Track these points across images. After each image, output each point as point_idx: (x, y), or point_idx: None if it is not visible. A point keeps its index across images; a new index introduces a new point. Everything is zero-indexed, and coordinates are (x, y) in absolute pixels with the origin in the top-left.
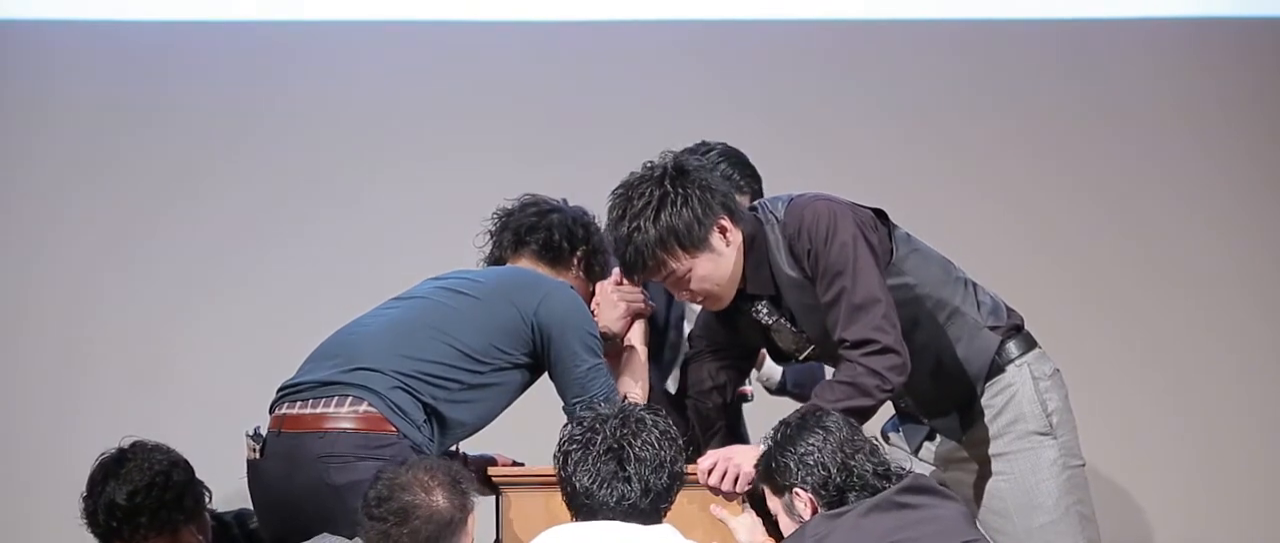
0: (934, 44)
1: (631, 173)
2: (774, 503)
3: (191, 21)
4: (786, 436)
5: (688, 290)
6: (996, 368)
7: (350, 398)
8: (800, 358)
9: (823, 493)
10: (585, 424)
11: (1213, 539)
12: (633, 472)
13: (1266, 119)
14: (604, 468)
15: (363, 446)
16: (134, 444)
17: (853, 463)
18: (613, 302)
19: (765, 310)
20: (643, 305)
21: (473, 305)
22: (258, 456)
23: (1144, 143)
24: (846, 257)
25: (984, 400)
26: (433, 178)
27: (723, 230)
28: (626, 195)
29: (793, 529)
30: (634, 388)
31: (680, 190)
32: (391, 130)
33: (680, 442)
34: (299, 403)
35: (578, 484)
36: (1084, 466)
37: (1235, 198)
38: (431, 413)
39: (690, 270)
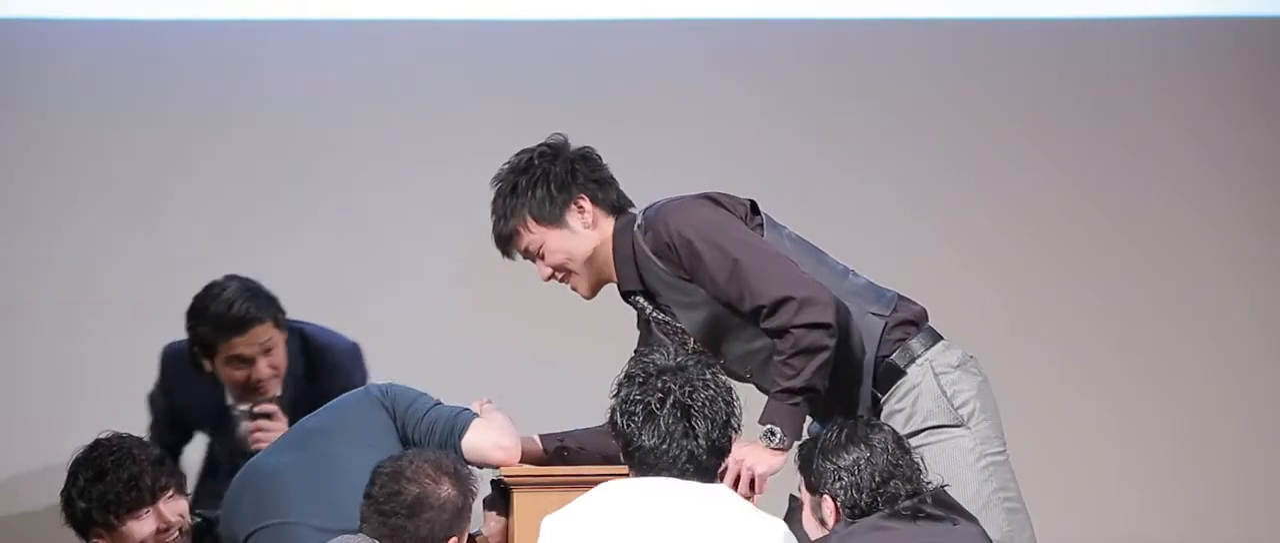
0: (934, 44)
1: None
2: (805, 493)
3: (188, 21)
4: (834, 441)
5: (546, 266)
6: (898, 371)
7: None
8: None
9: (850, 511)
10: (642, 381)
11: (1212, 539)
12: (700, 430)
13: (1266, 119)
14: (674, 426)
15: None
16: (106, 437)
17: (886, 489)
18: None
19: (647, 305)
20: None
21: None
22: None
23: (1144, 143)
24: (722, 233)
25: (892, 405)
26: (430, 178)
27: (580, 209)
28: (500, 170)
29: (814, 525)
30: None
31: (542, 166)
32: (390, 129)
33: (732, 394)
34: None
35: (645, 442)
36: (1004, 453)
37: (1235, 197)
38: None
39: (542, 244)
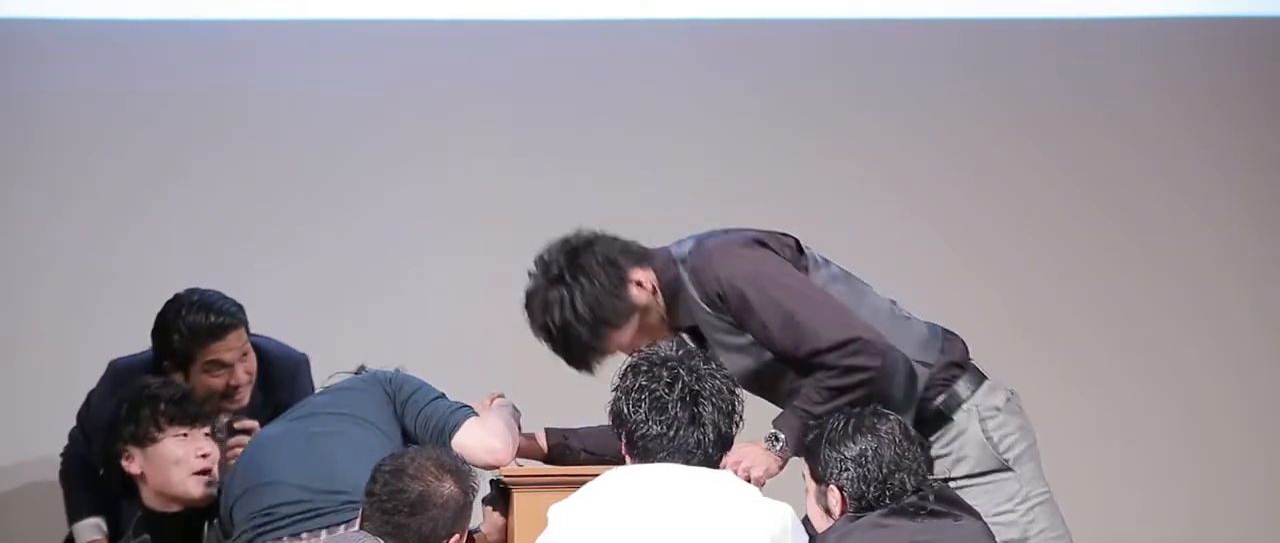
0: (934, 44)
1: (531, 272)
2: (810, 481)
3: (188, 21)
4: (840, 431)
5: (635, 349)
6: (944, 417)
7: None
8: None
9: (857, 502)
10: (648, 369)
11: (1212, 539)
12: (707, 418)
13: (1266, 119)
14: (681, 414)
15: None
16: None
17: (893, 481)
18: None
19: (691, 344)
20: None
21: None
22: None
23: (1144, 142)
24: (773, 282)
25: (938, 449)
26: (431, 178)
27: (639, 285)
28: (531, 306)
29: (818, 513)
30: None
31: (580, 280)
32: (390, 130)
33: (734, 383)
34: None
35: (652, 430)
36: (1048, 493)
37: (1235, 197)
38: None
39: (630, 337)
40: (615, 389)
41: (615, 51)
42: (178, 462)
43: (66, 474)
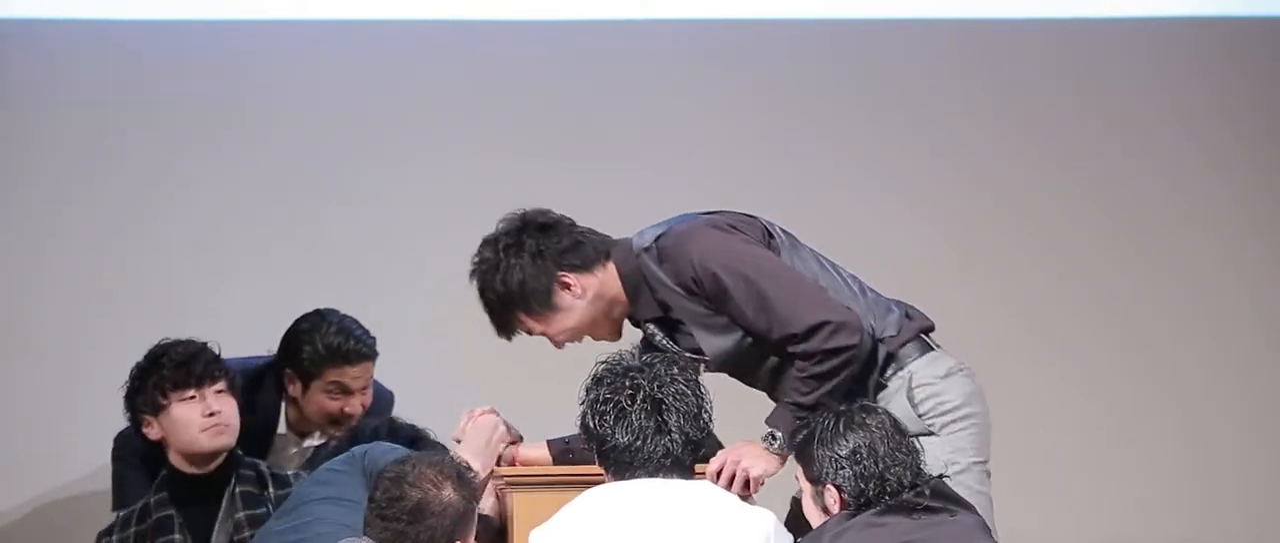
0: (934, 44)
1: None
2: (805, 483)
3: (188, 21)
4: (831, 430)
5: (556, 343)
6: (882, 386)
7: None
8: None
9: (856, 501)
10: (611, 381)
11: (1212, 539)
12: (673, 424)
13: (1266, 119)
14: (646, 423)
15: None
16: None
17: (889, 475)
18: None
19: (659, 335)
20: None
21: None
22: None
23: (1144, 143)
24: (745, 263)
25: None
26: (431, 178)
27: (566, 287)
28: (478, 251)
29: (815, 513)
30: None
31: (510, 260)
32: (391, 130)
33: (701, 387)
34: None
35: (619, 441)
36: (980, 462)
37: (1235, 197)
38: None
39: (546, 329)
40: (582, 403)
41: (615, 51)
42: (188, 423)
43: (125, 459)
